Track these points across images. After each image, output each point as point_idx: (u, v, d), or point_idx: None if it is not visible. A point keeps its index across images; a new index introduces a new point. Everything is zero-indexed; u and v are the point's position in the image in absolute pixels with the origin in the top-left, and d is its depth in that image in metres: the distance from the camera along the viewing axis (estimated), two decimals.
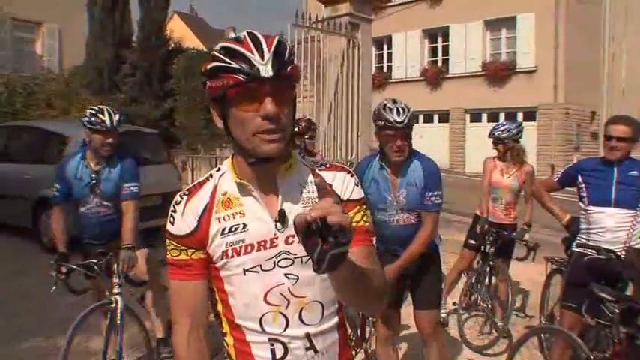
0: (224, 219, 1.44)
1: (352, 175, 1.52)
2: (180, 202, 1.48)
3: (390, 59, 24.95)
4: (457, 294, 5.21)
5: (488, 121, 21.22)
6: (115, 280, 3.54)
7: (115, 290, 3.54)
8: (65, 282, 3.49)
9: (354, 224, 1.42)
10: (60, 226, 3.77)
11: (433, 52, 24.00)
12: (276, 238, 1.42)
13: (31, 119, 12.19)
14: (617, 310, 2.94)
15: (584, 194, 3.60)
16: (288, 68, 1.34)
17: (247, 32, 1.38)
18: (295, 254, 1.42)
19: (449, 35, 22.87)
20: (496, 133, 5.01)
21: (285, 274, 1.42)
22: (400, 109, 3.12)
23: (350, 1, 9.06)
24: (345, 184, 1.49)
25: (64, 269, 3.48)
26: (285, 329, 1.44)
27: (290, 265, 1.42)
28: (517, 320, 5.17)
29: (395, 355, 3.66)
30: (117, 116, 3.67)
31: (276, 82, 1.32)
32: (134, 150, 7.98)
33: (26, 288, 5.95)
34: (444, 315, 4.85)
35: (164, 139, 12.92)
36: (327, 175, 1.49)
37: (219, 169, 1.52)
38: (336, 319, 1.51)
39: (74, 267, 3.53)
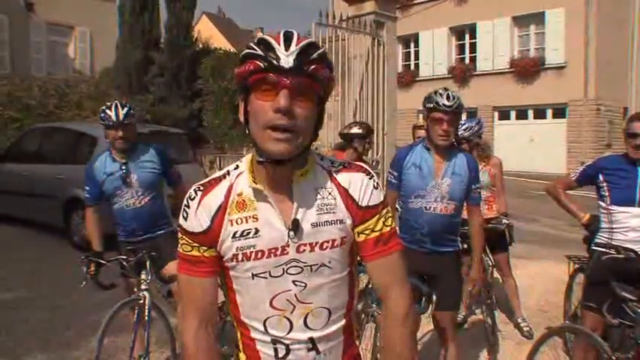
0: (237, 222, 1.41)
1: (370, 177, 1.48)
2: (194, 197, 1.44)
3: (417, 57, 24.83)
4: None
5: (517, 119, 21.01)
6: (143, 276, 3.59)
7: (143, 287, 3.58)
8: (94, 277, 3.54)
9: (373, 234, 1.46)
10: (94, 226, 3.78)
11: (460, 49, 23.78)
12: (288, 246, 1.40)
13: (62, 120, 12.47)
14: (639, 310, 2.90)
15: (606, 193, 3.53)
16: (313, 66, 1.32)
17: (286, 30, 1.37)
18: (305, 263, 1.41)
19: (476, 32, 22.65)
20: (459, 133, 4.94)
21: (294, 281, 1.42)
22: (451, 96, 3.22)
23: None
24: (362, 189, 1.46)
25: (93, 265, 3.54)
26: (288, 332, 1.45)
27: (299, 272, 1.42)
28: (541, 320, 5.13)
29: (415, 352, 3.66)
30: (125, 110, 3.63)
31: (297, 77, 1.30)
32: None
33: (63, 284, 6.10)
34: (461, 315, 4.82)
35: (192, 138, 13.10)
36: (343, 179, 1.46)
37: (237, 167, 1.49)
38: (342, 323, 1.51)
39: (104, 262, 3.58)
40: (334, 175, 1.46)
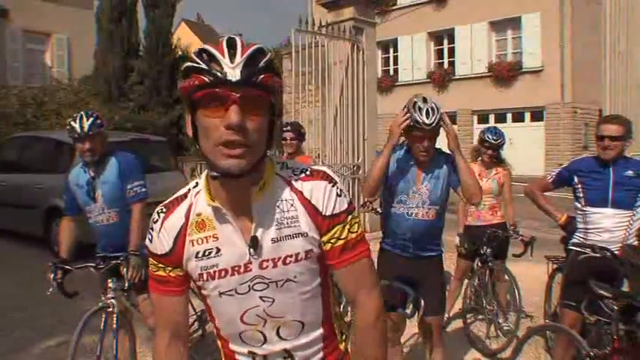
0: (197, 242, 1.40)
1: (333, 184, 1.42)
2: (157, 220, 1.44)
3: (396, 62, 24.98)
4: (458, 300, 5.22)
5: (496, 122, 21.20)
6: (111, 284, 3.51)
7: (110, 294, 3.50)
8: (60, 284, 3.43)
9: (339, 242, 1.41)
10: (65, 234, 3.66)
11: (439, 54, 24.00)
12: (250, 263, 1.38)
13: (41, 129, 12.35)
14: (615, 307, 2.97)
15: (581, 195, 3.62)
16: (261, 76, 1.25)
17: (227, 37, 1.31)
18: (270, 279, 1.39)
19: (454, 37, 22.88)
20: (491, 138, 5.03)
21: (261, 297, 1.41)
22: (430, 110, 3.10)
23: (354, 5, 9.12)
24: (325, 197, 1.40)
25: (60, 272, 3.43)
26: (262, 344, 1.46)
27: (265, 288, 1.40)
28: (522, 320, 5.18)
29: (400, 355, 3.70)
30: (90, 120, 3.42)
31: (247, 90, 1.23)
32: (141, 158, 8.11)
33: (43, 293, 6.03)
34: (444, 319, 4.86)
35: (173, 146, 13.04)
36: (305, 189, 1.40)
37: (196, 184, 1.46)
38: (319, 331, 1.49)
39: (70, 269, 3.46)
40: (295, 185, 1.41)
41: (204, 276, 1.40)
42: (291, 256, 1.38)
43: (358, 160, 9.10)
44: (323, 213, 1.39)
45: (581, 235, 3.65)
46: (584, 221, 3.63)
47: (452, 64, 23.24)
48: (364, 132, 9.21)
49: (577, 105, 20.12)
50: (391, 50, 25.11)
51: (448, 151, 3.35)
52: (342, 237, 1.41)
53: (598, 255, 3.41)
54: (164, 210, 1.44)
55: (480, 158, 5.18)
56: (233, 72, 1.23)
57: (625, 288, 3.43)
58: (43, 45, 20.19)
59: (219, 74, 1.23)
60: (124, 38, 16.44)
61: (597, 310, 3.20)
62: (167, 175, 8.92)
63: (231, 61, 1.24)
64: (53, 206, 7.74)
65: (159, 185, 8.14)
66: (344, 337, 1.58)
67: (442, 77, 23.11)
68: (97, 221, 3.62)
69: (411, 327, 4.05)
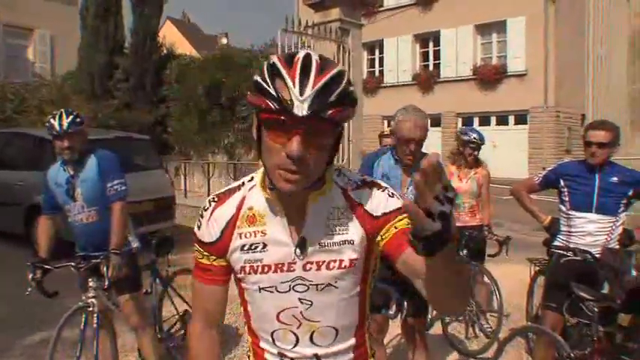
0: (246, 235, 1.42)
1: (383, 190, 1.43)
2: (208, 208, 1.46)
3: (381, 64, 25.05)
4: None
5: (480, 125, 21.36)
6: (92, 284, 3.47)
7: (91, 294, 3.46)
8: (39, 284, 3.39)
9: (394, 230, 1.36)
10: (44, 232, 3.61)
11: (424, 56, 24.12)
12: (294, 263, 1.39)
13: (22, 126, 12.21)
14: (596, 309, 3.01)
15: (566, 198, 3.66)
16: (330, 111, 1.21)
17: (306, 54, 1.26)
18: (311, 281, 1.40)
19: (440, 39, 23.01)
20: (473, 136, 5.07)
21: (300, 299, 1.41)
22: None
23: (340, 6, 9.12)
24: (376, 200, 1.41)
25: (39, 271, 3.39)
26: (294, 346, 1.46)
27: (305, 290, 1.41)
28: (504, 322, 5.22)
29: (384, 356, 3.71)
30: (69, 118, 3.39)
31: (313, 124, 1.20)
32: (125, 156, 8.05)
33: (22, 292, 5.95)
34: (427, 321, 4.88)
35: (157, 144, 12.95)
36: (357, 196, 1.41)
37: (251, 179, 1.48)
38: (352, 341, 1.49)
39: (49, 268, 3.42)
40: (349, 194, 1.42)
41: (247, 269, 1.42)
42: (335, 262, 1.39)
43: (342, 161, 9.10)
44: (375, 214, 1.39)
45: (564, 238, 3.70)
46: (568, 224, 3.67)
47: (437, 66, 23.36)
48: (349, 133, 9.22)
49: (560, 109, 20.33)
50: (377, 52, 25.18)
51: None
52: (399, 225, 1.36)
53: (579, 258, 3.46)
54: (215, 199, 1.47)
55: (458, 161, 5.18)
56: (301, 105, 1.18)
57: (605, 291, 3.47)
58: (25, 40, 19.97)
59: (286, 105, 1.19)
60: (109, 35, 16.27)
61: (578, 312, 3.24)
62: (151, 174, 8.87)
63: (301, 93, 1.19)
64: (34, 204, 7.63)
65: (142, 184, 8.11)
66: (373, 352, 1.57)
67: (427, 79, 23.22)
68: (76, 220, 3.56)
69: (395, 328, 4.07)
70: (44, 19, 19.05)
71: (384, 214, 1.39)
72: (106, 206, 3.52)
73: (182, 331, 4.39)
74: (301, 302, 1.41)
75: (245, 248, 1.42)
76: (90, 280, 3.48)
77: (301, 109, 1.18)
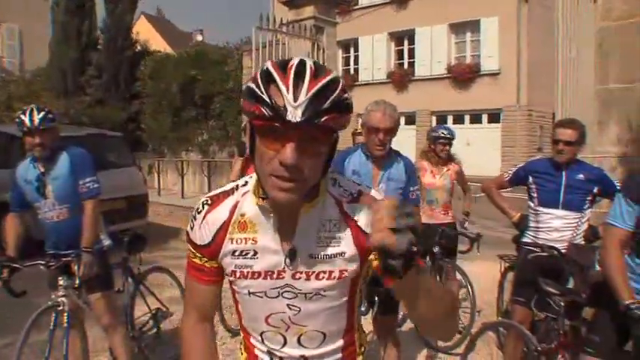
0: (237, 241, 1.41)
1: None
2: (201, 211, 1.45)
3: (356, 62, 25.15)
4: None
5: (454, 123, 21.60)
6: (62, 282, 3.41)
7: (60, 293, 3.40)
8: (7, 283, 3.33)
9: None
10: (11, 230, 3.54)
11: (399, 54, 24.28)
12: (284, 271, 1.39)
13: None
14: (562, 304, 3.08)
15: (535, 195, 3.74)
16: (324, 118, 1.18)
17: (300, 60, 1.24)
18: (300, 290, 1.40)
19: (415, 38, 23.17)
20: (441, 131, 5.15)
21: (288, 305, 1.42)
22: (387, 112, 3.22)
23: (314, 4, 9.15)
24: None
25: (6, 270, 3.32)
26: (282, 347, 1.47)
27: (294, 297, 1.41)
28: (475, 318, 5.30)
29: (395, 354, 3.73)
30: (41, 114, 3.32)
31: (306, 129, 1.18)
32: (97, 153, 7.95)
33: None
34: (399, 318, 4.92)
35: (130, 142, 12.82)
36: (352, 210, 1.39)
37: (245, 183, 1.46)
38: (340, 343, 1.50)
39: (18, 267, 3.35)
40: (344, 206, 1.39)
41: (237, 274, 1.42)
42: (325, 273, 1.39)
43: None
44: (369, 233, 1.35)
45: (532, 234, 3.78)
46: (536, 220, 3.75)
47: (412, 64, 23.54)
48: None
49: (532, 108, 20.66)
50: (352, 50, 25.27)
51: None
52: None
53: (547, 254, 3.54)
54: (209, 202, 1.45)
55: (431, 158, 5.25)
56: (295, 112, 1.16)
57: (570, 285, 3.55)
58: None
59: (279, 112, 1.16)
60: (82, 31, 16.04)
61: (546, 306, 3.31)
62: (124, 172, 8.76)
63: (295, 99, 1.16)
64: (2, 202, 7.49)
65: (115, 181, 8.02)
66: (363, 349, 1.58)
67: (402, 78, 23.38)
68: (46, 218, 3.50)
69: (366, 325, 4.09)
70: (12, 12, 18.66)
71: None
72: (77, 204, 3.47)
73: (155, 330, 4.37)
74: (289, 308, 1.42)
75: (236, 254, 1.41)
76: (60, 278, 3.42)
77: (295, 115, 1.16)
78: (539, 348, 3.16)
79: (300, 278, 1.39)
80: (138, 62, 16.60)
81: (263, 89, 1.19)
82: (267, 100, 1.17)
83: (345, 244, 1.38)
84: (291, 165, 1.18)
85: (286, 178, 1.20)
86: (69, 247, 3.46)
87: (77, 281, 3.34)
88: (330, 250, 1.38)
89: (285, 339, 1.47)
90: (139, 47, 17.67)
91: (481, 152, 19.75)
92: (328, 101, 1.19)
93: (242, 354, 1.61)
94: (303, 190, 1.26)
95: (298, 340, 1.46)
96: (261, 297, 1.43)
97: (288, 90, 1.17)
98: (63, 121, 13.13)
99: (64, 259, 3.38)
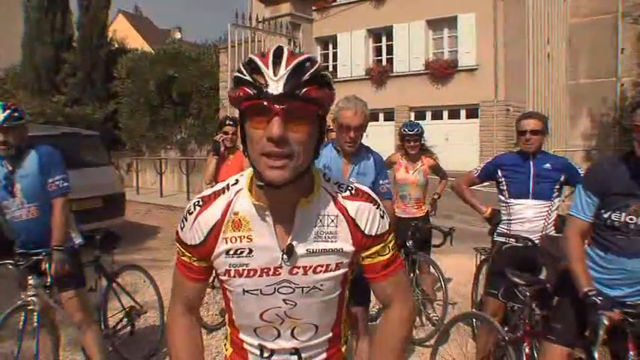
0: (231, 240, 1.41)
1: (377, 207, 1.47)
2: (192, 212, 1.45)
3: (335, 58, 25.12)
4: None
5: (432, 119, 21.71)
6: (31, 281, 3.36)
7: (30, 292, 3.36)
8: None
9: (379, 258, 1.49)
10: None
11: (378, 51, 24.30)
12: (281, 267, 1.40)
13: None
14: (528, 294, 3.14)
15: (505, 187, 3.81)
16: (305, 89, 1.24)
17: (277, 46, 1.30)
18: (297, 284, 1.42)
19: (393, 35, 23.24)
20: (407, 130, 5.19)
21: (284, 300, 1.44)
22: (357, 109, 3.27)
23: (290, 1, 9.17)
24: (370, 220, 1.44)
25: None
26: (275, 339, 1.50)
27: (291, 292, 1.43)
28: (451, 311, 5.36)
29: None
30: (6, 112, 3.29)
31: (290, 103, 1.23)
32: (73, 152, 7.88)
33: None
34: (374, 311, 4.96)
35: (108, 141, 12.70)
36: (350, 206, 1.43)
37: (236, 182, 1.46)
38: (329, 335, 1.54)
39: None
40: (340, 201, 1.43)
41: (232, 273, 1.43)
42: (322, 267, 1.42)
43: None
44: (367, 233, 1.44)
45: (505, 226, 3.84)
46: (508, 212, 3.82)
47: (390, 61, 23.56)
48: None
49: (509, 103, 20.84)
50: (330, 46, 25.25)
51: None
52: (383, 254, 1.49)
53: (521, 245, 3.61)
54: (200, 203, 1.45)
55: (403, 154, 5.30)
56: (276, 85, 1.22)
57: (542, 276, 3.62)
58: None
59: (262, 87, 1.23)
60: (56, 29, 15.84)
61: (512, 296, 3.37)
62: (100, 170, 8.70)
63: (275, 74, 1.23)
64: None
65: (91, 180, 7.98)
66: (346, 338, 1.64)
67: (380, 74, 23.40)
68: (15, 217, 3.47)
69: None
70: None
71: (376, 236, 1.46)
72: (46, 202, 3.44)
73: (129, 328, 4.35)
74: (285, 303, 1.44)
75: (230, 253, 1.41)
76: (30, 277, 3.38)
77: (276, 87, 1.22)
78: (506, 337, 3.22)
79: (297, 273, 1.41)
80: (114, 61, 16.44)
81: (246, 73, 1.26)
82: (250, 79, 1.25)
83: (342, 238, 1.42)
84: (277, 137, 1.21)
85: (277, 155, 1.24)
86: (39, 245, 3.42)
87: (49, 280, 3.30)
88: (328, 245, 1.42)
89: (279, 332, 1.49)
90: (115, 45, 17.51)
91: (460, 147, 19.88)
92: (307, 74, 1.25)
93: (227, 349, 1.61)
94: (294, 170, 1.28)
95: (292, 333, 1.49)
96: (256, 294, 1.43)
97: (267, 67, 1.24)
98: (38, 121, 13.00)
99: (34, 257, 3.35)
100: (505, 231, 3.82)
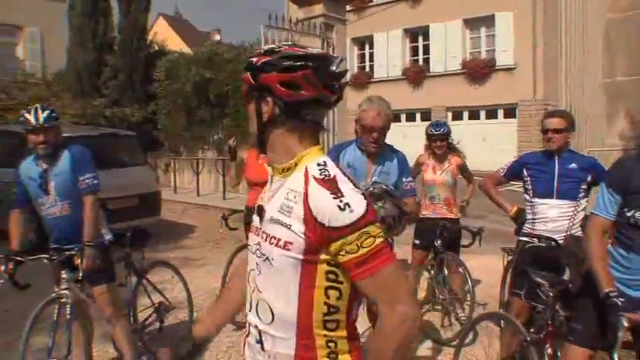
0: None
1: (337, 197, 1.40)
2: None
3: (372, 59, 25.09)
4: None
5: (469, 119, 21.48)
6: (64, 275, 3.50)
7: (63, 285, 3.50)
8: (11, 277, 3.43)
9: (350, 256, 1.39)
10: (16, 226, 3.64)
11: (414, 51, 24.16)
12: (260, 228, 1.54)
13: (9, 123, 12.21)
14: (550, 294, 3.10)
15: (529, 187, 3.79)
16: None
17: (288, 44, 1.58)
18: (261, 251, 1.51)
19: (429, 34, 23.06)
20: (433, 130, 5.18)
21: (257, 263, 1.54)
22: (381, 111, 3.27)
23: (324, 2, 9.19)
24: (323, 207, 1.40)
25: (11, 264, 3.43)
26: (250, 310, 1.58)
27: (259, 258, 1.52)
28: (476, 310, 5.31)
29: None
30: (45, 113, 3.48)
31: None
32: (110, 152, 8.11)
33: None
34: None
35: (147, 141, 12.99)
36: (312, 189, 1.43)
37: None
38: (293, 332, 1.46)
39: (22, 260, 3.46)
40: (309, 182, 1.44)
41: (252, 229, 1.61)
42: (274, 239, 1.47)
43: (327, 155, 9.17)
44: (319, 220, 1.40)
45: (530, 226, 3.81)
46: (532, 212, 3.79)
47: (427, 61, 23.41)
48: (334, 127, 9.30)
49: (548, 102, 20.40)
50: (367, 47, 25.22)
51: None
52: (353, 252, 1.39)
53: (543, 244, 3.57)
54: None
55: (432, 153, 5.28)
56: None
57: (566, 277, 3.57)
58: (15, 38, 19.89)
59: None
60: (98, 33, 16.29)
61: (535, 297, 3.33)
62: (136, 170, 8.92)
63: None
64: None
65: (128, 180, 8.19)
66: (331, 356, 1.49)
67: (417, 74, 23.27)
68: (49, 213, 3.63)
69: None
70: (34, 16, 18.96)
71: (332, 227, 1.38)
72: (78, 199, 3.60)
73: (157, 323, 4.46)
74: (257, 267, 1.54)
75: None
76: (63, 272, 3.53)
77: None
78: (528, 338, 3.19)
79: (264, 238, 1.51)
80: (153, 63, 16.78)
81: None
82: None
83: (295, 216, 1.44)
84: None
85: None
86: (71, 241, 3.56)
87: (80, 274, 3.43)
88: (282, 218, 1.46)
89: (251, 303, 1.56)
90: (155, 47, 17.86)
91: (497, 148, 19.59)
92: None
93: None
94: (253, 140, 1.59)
95: (257, 308, 1.53)
96: (250, 252, 1.59)
97: None
98: (80, 122, 13.39)
99: (67, 252, 3.48)
100: (529, 230, 3.79)
